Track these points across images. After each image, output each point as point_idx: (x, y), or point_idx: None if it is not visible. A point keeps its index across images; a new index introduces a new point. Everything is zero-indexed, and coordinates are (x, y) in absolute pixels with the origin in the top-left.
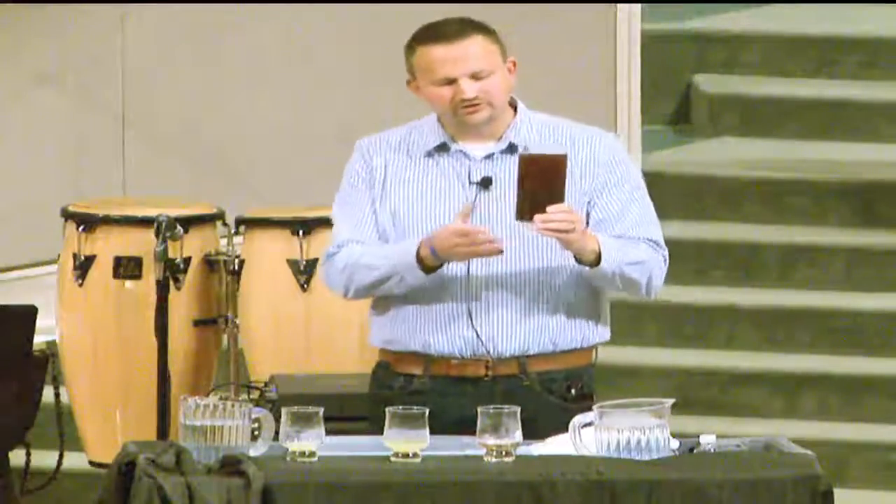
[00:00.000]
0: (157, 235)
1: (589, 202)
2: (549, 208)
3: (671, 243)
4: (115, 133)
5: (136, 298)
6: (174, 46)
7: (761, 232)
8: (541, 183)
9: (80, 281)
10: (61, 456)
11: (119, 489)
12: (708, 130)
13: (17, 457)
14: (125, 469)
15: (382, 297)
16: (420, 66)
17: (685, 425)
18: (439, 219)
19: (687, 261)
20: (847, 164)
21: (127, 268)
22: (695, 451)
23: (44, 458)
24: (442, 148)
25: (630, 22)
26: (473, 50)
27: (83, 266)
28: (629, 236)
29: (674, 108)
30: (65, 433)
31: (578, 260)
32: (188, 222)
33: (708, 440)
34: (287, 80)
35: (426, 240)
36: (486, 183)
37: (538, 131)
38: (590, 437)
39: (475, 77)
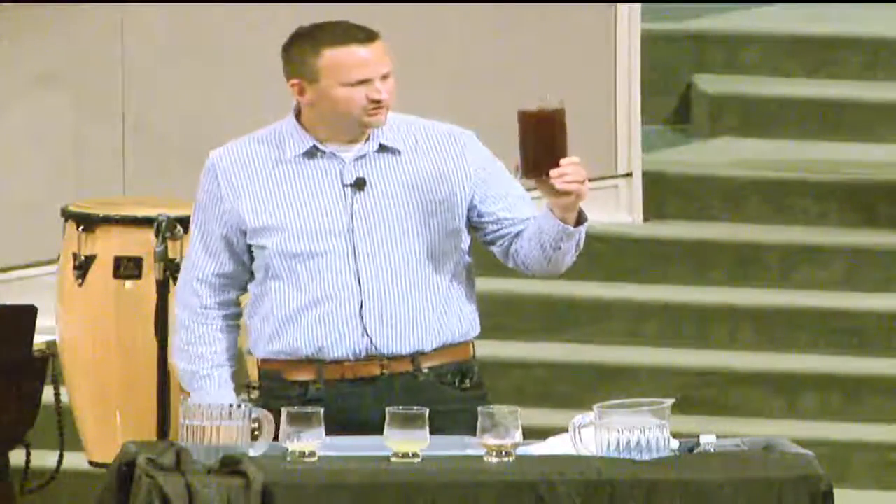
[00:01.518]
0: (157, 235)
1: (474, 197)
2: (563, 161)
3: (671, 243)
4: (115, 133)
5: (136, 298)
6: (174, 46)
7: (761, 232)
8: (544, 138)
9: (80, 281)
10: (61, 456)
11: (119, 489)
12: (708, 130)
13: (17, 457)
14: (125, 469)
15: (261, 306)
16: (329, 67)
17: (685, 425)
18: (317, 221)
19: (687, 261)
20: (847, 164)
21: (127, 268)
22: (695, 451)
23: (44, 458)
24: (311, 152)
25: (630, 22)
26: (381, 52)
27: (83, 266)
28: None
29: (674, 108)
30: (65, 433)
31: (562, 219)
32: (188, 222)
33: (708, 440)
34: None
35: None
36: (359, 184)
37: (400, 131)
38: (590, 437)
39: (384, 77)
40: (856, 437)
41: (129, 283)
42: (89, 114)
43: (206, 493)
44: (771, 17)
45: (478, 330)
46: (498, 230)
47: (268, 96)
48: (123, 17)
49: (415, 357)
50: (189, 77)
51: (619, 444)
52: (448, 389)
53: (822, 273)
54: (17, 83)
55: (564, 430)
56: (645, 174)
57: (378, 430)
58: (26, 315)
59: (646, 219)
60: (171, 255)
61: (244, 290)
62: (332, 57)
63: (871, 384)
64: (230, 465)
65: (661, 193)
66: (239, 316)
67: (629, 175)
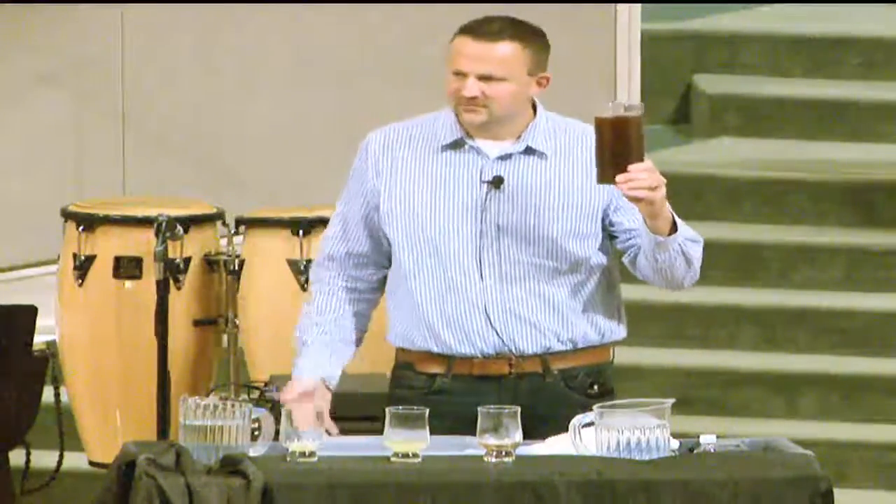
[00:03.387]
0: (157, 235)
1: (609, 205)
2: (631, 167)
3: None
4: (115, 133)
5: (136, 298)
6: (173, 46)
7: (761, 232)
8: (618, 144)
9: (80, 281)
10: (61, 456)
11: (119, 489)
12: (708, 130)
13: (17, 457)
14: (125, 469)
15: (394, 294)
16: (449, 53)
17: (685, 425)
18: (449, 213)
19: None
20: (847, 164)
21: (127, 268)
22: (695, 451)
23: (44, 458)
24: (457, 144)
25: (630, 22)
26: (496, 53)
27: (83, 266)
28: None
29: (674, 108)
30: (65, 433)
31: (651, 228)
32: (188, 222)
33: (708, 440)
34: (287, 80)
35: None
36: (497, 182)
37: (554, 133)
38: (590, 437)
39: (484, 78)
40: (856, 437)
41: (129, 283)
42: (89, 114)
43: (206, 493)
44: (771, 17)
45: (619, 334)
46: (627, 240)
47: (268, 96)
48: (123, 17)
49: (543, 357)
50: (189, 77)
51: (619, 444)
52: (574, 395)
53: (821, 273)
54: (17, 83)
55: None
56: None
57: None
58: (26, 315)
59: None
60: (171, 255)
61: (382, 268)
62: (453, 43)
63: (871, 384)
64: (230, 465)
65: None
66: (373, 293)
67: None
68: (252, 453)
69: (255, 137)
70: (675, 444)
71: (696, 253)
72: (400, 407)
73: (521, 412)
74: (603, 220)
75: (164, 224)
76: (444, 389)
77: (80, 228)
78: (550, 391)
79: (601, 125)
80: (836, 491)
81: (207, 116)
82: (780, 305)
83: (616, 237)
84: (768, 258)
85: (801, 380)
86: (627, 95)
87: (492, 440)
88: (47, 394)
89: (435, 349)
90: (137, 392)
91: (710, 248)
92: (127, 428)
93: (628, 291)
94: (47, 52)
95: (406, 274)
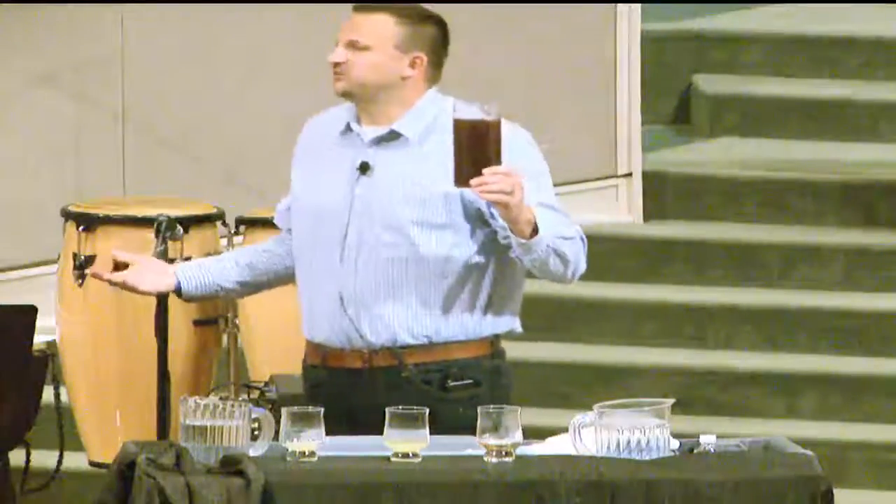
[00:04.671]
0: (157, 235)
1: (475, 195)
2: (486, 171)
3: (671, 243)
4: (115, 133)
5: (136, 298)
6: (174, 46)
7: (761, 232)
8: (476, 147)
9: (80, 281)
10: (61, 456)
11: (119, 489)
12: (708, 130)
13: (17, 457)
14: (125, 469)
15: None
16: None
17: (685, 425)
18: (326, 199)
19: (687, 261)
20: (847, 164)
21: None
22: (695, 451)
23: (44, 458)
24: (346, 129)
25: (630, 22)
26: (366, 23)
27: (83, 266)
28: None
29: (674, 108)
30: (65, 433)
31: (512, 231)
32: (188, 222)
33: (708, 440)
34: (287, 80)
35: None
36: (363, 168)
37: (434, 119)
38: (590, 437)
39: (351, 45)
40: (856, 437)
41: None
42: (89, 114)
43: (206, 493)
44: (771, 17)
45: (487, 332)
46: (506, 237)
47: (268, 96)
48: (123, 17)
49: (396, 351)
50: (189, 77)
51: (619, 444)
52: (431, 389)
53: (821, 273)
54: (17, 83)
55: (564, 430)
56: (645, 174)
57: (364, 426)
58: (26, 315)
59: (646, 219)
60: (171, 255)
61: None
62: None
63: (871, 384)
64: (230, 465)
65: (661, 193)
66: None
67: (629, 175)
68: (252, 453)
69: (256, 137)
70: (675, 444)
71: (571, 249)
72: (400, 407)
73: (379, 408)
74: (479, 213)
75: (164, 224)
76: (320, 383)
77: (80, 228)
78: (406, 385)
79: (459, 127)
80: (836, 491)
81: (207, 116)
82: (780, 305)
83: (496, 231)
84: (768, 258)
85: (801, 380)
86: (628, 95)
87: (492, 440)
88: (47, 394)
89: (310, 339)
90: (137, 392)
91: (710, 248)
92: (127, 428)
93: (628, 291)
94: (47, 52)
95: (295, 253)
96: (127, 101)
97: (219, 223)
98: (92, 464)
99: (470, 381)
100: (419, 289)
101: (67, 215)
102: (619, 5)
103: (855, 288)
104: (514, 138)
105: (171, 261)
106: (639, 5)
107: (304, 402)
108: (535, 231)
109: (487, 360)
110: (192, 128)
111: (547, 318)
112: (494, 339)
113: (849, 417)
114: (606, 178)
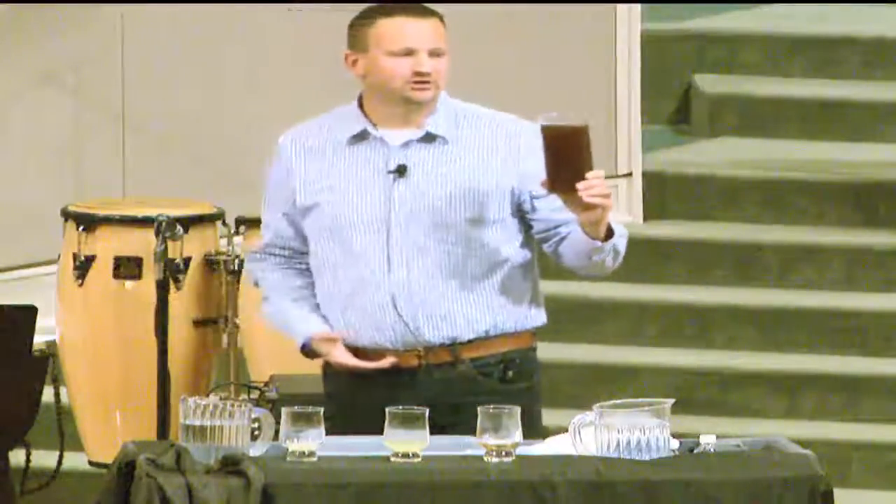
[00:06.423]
0: (157, 235)
1: (522, 193)
2: (589, 175)
3: (671, 243)
4: (115, 133)
5: (136, 298)
6: (174, 46)
7: (761, 232)
8: (568, 152)
9: (80, 281)
10: (61, 456)
11: (119, 489)
12: (708, 130)
13: (17, 457)
14: (125, 469)
15: (318, 287)
16: (378, 35)
17: (685, 425)
18: (357, 206)
19: (687, 261)
20: (847, 164)
21: (127, 268)
22: (695, 451)
23: (44, 458)
24: (362, 135)
25: (630, 22)
26: (437, 29)
27: (83, 266)
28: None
29: (674, 108)
30: (65, 433)
31: (588, 232)
32: (188, 222)
33: (708, 440)
34: (287, 80)
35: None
36: (401, 171)
37: (453, 119)
38: (590, 437)
39: (433, 54)
40: (856, 437)
41: (129, 283)
42: (89, 114)
43: (206, 493)
44: (771, 17)
45: (534, 323)
46: (546, 230)
47: (268, 96)
48: (123, 17)
49: (453, 348)
50: (189, 77)
51: (619, 444)
52: (489, 381)
53: (821, 273)
54: (17, 83)
55: (564, 430)
56: (645, 174)
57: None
58: (26, 315)
59: (646, 219)
60: (171, 255)
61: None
62: (383, 25)
63: (871, 384)
64: (230, 465)
65: (661, 193)
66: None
67: (629, 175)
68: (252, 453)
69: (256, 137)
70: (675, 444)
71: (623, 245)
72: (399, 407)
73: (433, 402)
74: (521, 206)
75: (164, 224)
76: (359, 386)
77: (80, 228)
78: (461, 380)
79: (554, 134)
80: (836, 491)
81: (208, 116)
82: (779, 305)
83: (534, 226)
84: (768, 258)
85: (801, 380)
86: (628, 95)
87: (492, 440)
88: (47, 394)
89: (350, 342)
90: (137, 392)
91: (710, 247)
92: (127, 428)
93: (629, 291)
94: (48, 52)
95: (320, 267)
96: (127, 101)
97: (219, 223)
98: (92, 464)
99: (530, 371)
100: (475, 284)
101: (67, 215)
102: (619, 5)
103: (855, 288)
104: (528, 131)
105: (172, 261)
106: (639, 5)
107: (341, 406)
108: (611, 233)
109: (533, 351)
110: (192, 128)
111: (547, 317)
112: (535, 332)
113: (849, 417)
114: (606, 178)
